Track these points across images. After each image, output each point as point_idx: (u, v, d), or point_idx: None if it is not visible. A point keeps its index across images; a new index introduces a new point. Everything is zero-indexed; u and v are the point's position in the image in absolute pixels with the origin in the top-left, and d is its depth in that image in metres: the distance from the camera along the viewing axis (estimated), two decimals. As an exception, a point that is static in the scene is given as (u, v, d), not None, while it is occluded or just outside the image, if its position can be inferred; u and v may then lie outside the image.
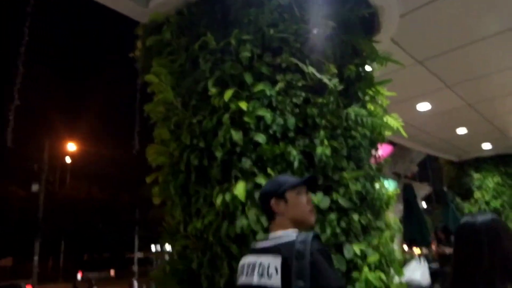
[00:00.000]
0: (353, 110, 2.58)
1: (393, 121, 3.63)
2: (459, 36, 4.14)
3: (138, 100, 3.00)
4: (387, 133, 3.30)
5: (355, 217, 2.50)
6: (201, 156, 2.51)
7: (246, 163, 2.40)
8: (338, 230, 2.42)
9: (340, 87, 2.57)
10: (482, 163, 9.34)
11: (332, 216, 2.43)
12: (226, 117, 2.46)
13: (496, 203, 8.92)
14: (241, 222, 2.29)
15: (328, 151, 2.48)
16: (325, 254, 1.44)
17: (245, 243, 2.35)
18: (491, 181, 9.16)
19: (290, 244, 1.47)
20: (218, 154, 2.42)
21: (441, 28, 3.97)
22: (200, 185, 2.55)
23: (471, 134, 7.51)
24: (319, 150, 2.49)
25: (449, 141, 8.10)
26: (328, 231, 2.38)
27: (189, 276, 2.67)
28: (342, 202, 2.48)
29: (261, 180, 2.33)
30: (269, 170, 2.38)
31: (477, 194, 9.27)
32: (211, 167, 2.49)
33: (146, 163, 2.88)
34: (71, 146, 26.81)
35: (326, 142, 2.51)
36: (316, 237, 1.48)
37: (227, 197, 2.32)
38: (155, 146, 2.75)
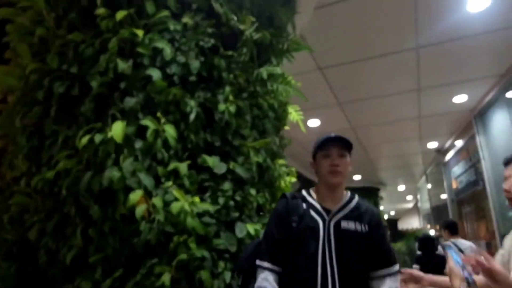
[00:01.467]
0: (267, 70, 2.26)
1: (294, 113, 3.45)
2: (360, 48, 4.23)
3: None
4: (286, 127, 3.06)
5: (253, 191, 2.13)
6: (71, 85, 1.89)
7: (131, 102, 1.86)
8: (231, 203, 2.01)
9: (257, 36, 2.23)
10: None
11: (227, 186, 2.02)
12: (114, 42, 1.90)
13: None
14: (112, 173, 1.72)
15: (232, 109, 2.09)
16: (274, 209, 1.65)
17: (112, 203, 1.77)
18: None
19: None
20: (95, 84, 1.83)
21: (347, 35, 3.99)
22: (62, 124, 1.90)
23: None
24: (222, 106, 2.09)
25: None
26: (221, 201, 1.96)
27: (20, 250, 1.96)
28: (241, 171, 2.09)
29: (148, 122, 1.82)
30: (158, 114, 1.88)
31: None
32: (82, 101, 1.88)
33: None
34: None
35: (231, 98, 2.12)
36: (283, 196, 1.66)
37: (97, 138, 1.74)
38: (6, 66, 2.01)
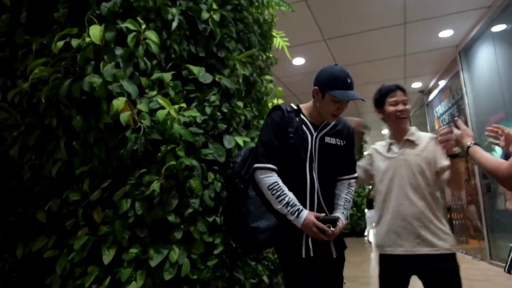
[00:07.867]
0: (251, -23, 2.14)
1: (279, 38, 3.35)
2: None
3: None
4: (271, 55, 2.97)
5: (240, 104, 2.09)
6: (40, -12, 1.75)
7: (108, 4, 1.74)
8: (218, 114, 1.96)
9: None
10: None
11: (214, 97, 1.97)
12: None
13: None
14: (93, 78, 1.64)
15: (216, 17, 1.99)
16: (271, 118, 1.74)
17: (95, 112, 1.70)
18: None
19: None
20: (67, -15, 1.70)
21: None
22: (35, 32, 1.78)
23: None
24: (205, 14, 1.99)
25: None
26: (208, 111, 1.91)
27: (3, 168, 1.90)
28: (227, 83, 2.03)
29: (128, 24, 1.71)
30: (139, 19, 1.77)
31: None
32: (55, 7, 1.75)
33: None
34: None
35: (215, 6, 2.02)
36: (278, 107, 1.76)
37: (74, 43, 1.64)
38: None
